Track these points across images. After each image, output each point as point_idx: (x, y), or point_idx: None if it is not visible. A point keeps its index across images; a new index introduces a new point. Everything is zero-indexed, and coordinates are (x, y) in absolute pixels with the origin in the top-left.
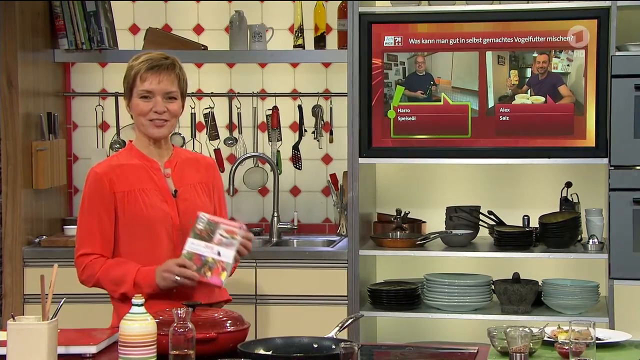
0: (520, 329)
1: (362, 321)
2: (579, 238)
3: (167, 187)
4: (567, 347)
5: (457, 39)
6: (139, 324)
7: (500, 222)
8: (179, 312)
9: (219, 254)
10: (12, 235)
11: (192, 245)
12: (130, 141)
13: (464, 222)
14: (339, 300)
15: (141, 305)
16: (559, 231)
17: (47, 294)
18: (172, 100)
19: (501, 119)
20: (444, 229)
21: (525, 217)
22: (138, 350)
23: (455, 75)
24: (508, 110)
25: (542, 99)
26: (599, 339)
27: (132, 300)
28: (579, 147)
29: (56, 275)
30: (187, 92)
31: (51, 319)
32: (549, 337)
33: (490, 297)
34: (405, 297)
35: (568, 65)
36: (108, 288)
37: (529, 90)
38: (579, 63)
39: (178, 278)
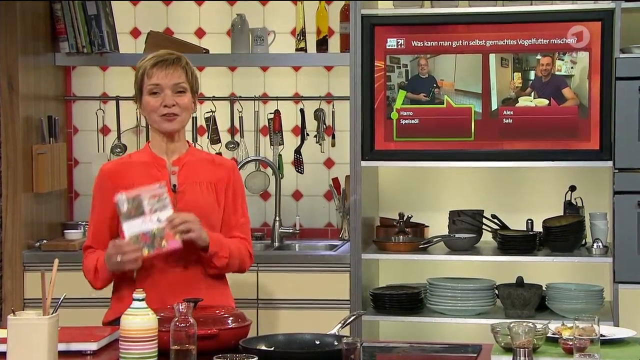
0: (524, 324)
1: (364, 325)
2: (583, 242)
3: (169, 182)
4: (571, 343)
5: (460, 41)
6: (140, 318)
7: (503, 226)
8: (180, 307)
9: (159, 220)
10: (12, 239)
11: (130, 229)
12: (148, 142)
13: (467, 225)
14: (341, 304)
15: (142, 300)
16: (563, 235)
17: (47, 298)
18: (181, 93)
19: (504, 121)
20: (447, 233)
21: (529, 221)
22: (139, 346)
23: (458, 77)
24: (511, 112)
25: (546, 101)
26: (603, 336)
27: (133, 295)
28: (583, 150)
29: (57, 269)
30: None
31: (52, 314)
32: (553, 334)
33: (493, 301)
34: (408, 301)
35: (572, 67)
36: (89, 280)
37: (533, 93)
38: (582, 65)
39: (118, 258)
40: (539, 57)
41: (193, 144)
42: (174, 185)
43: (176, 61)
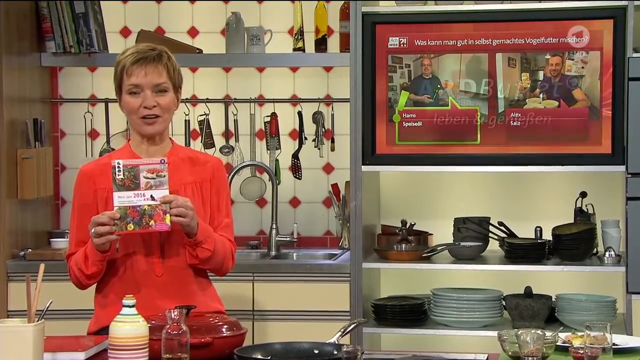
0: (533, 331)
1: (365, 338)
2: (594, 250)
3: None
4: (582, 352)
5: (465, 40)
6: (130, 325)
7: (511, 234)
8: (172, 314)
9: (152, 198)
10: None
11: (120, 199)
12: (128, 140)
13: (472, 233)
14: (340, 315)
15: (132, 306)
16: (574, 243)
17: (32, 304)
18: (162, 93)
19: (512, 124)
20: (452, 241)
21: (538, 229)
22: (129, 354)
23: (463, 78)
24: (519, 115)
25: (555, 103)
26: (616, 345)
27: (123, 301)
28: (594, 154)
29: (42, 279)
30: (183, 91)
31: (37, 321)
32: (563, 342)
33: (500, 312)
34: (410, 312)
35: (582, 67)
36: (79, 275)
37: (542, 94)
38: (593, 65)
39: (92, 230)
40: (548, 56)
41: (187, 145)
42: None
43: (157, 58)
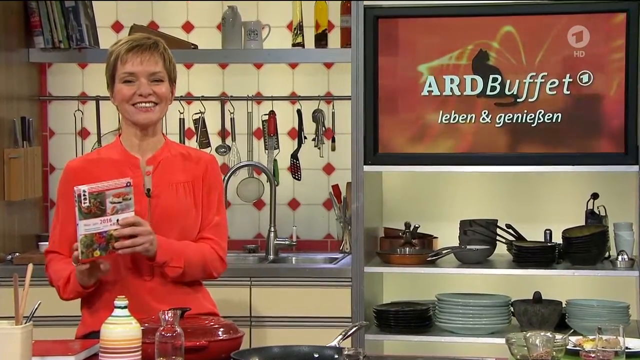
0: (542, 334)
1: (367, 344)
2: (606, 254)
3: (143, 185)
4: (593, 355)
5: (471, 35)
6: (122, 327)
7: (519, 237)
8: (166, 315)
9: (117, 222)
10: None
11: (86, 227)
12: (119, 134)
13: (479, 236)
14: (341, 322)
15: (124, 307)
16: (585, 246)
17: (20, 305)
18: (158, 82)
19: (520, 122)
20: (458, 245)
21: (547, 232)
22: (121, 358)
23: (469, 74)
24: (528, 113)
25: (565, 100)
26: (629, 348)
27: (115, 302)
28: (606, 153)
29: (29, 284)
30: (177, 88)
31: (25, 323)
32: (574, 346)
33: (508, 319)
34: (415, 318)
35: (593, 63)
36: (56, 289)
37: (551, 91)
38: (605, 60)
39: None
40: (558, 52)
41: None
42: (148, 190)
43: (153, 47)
